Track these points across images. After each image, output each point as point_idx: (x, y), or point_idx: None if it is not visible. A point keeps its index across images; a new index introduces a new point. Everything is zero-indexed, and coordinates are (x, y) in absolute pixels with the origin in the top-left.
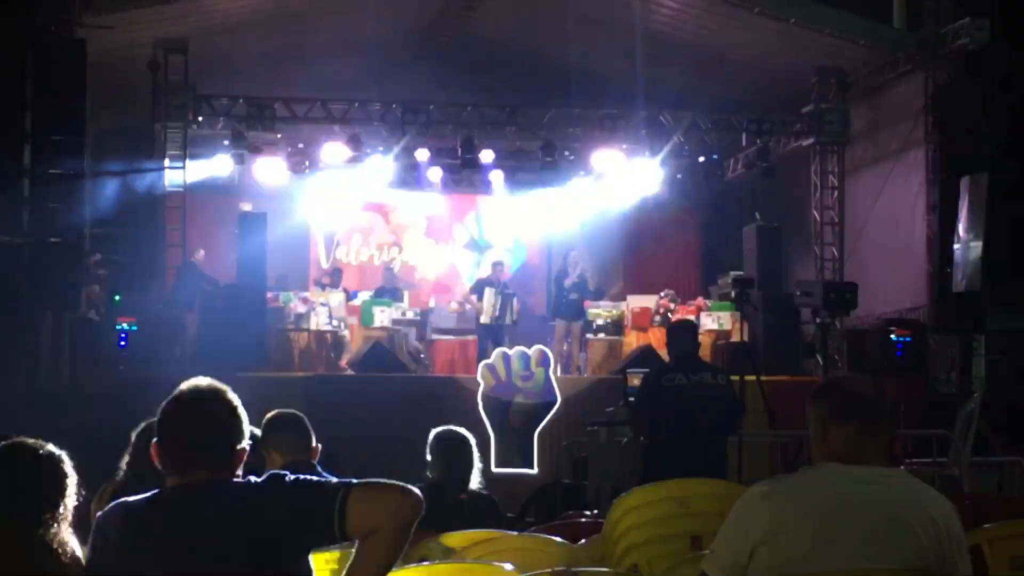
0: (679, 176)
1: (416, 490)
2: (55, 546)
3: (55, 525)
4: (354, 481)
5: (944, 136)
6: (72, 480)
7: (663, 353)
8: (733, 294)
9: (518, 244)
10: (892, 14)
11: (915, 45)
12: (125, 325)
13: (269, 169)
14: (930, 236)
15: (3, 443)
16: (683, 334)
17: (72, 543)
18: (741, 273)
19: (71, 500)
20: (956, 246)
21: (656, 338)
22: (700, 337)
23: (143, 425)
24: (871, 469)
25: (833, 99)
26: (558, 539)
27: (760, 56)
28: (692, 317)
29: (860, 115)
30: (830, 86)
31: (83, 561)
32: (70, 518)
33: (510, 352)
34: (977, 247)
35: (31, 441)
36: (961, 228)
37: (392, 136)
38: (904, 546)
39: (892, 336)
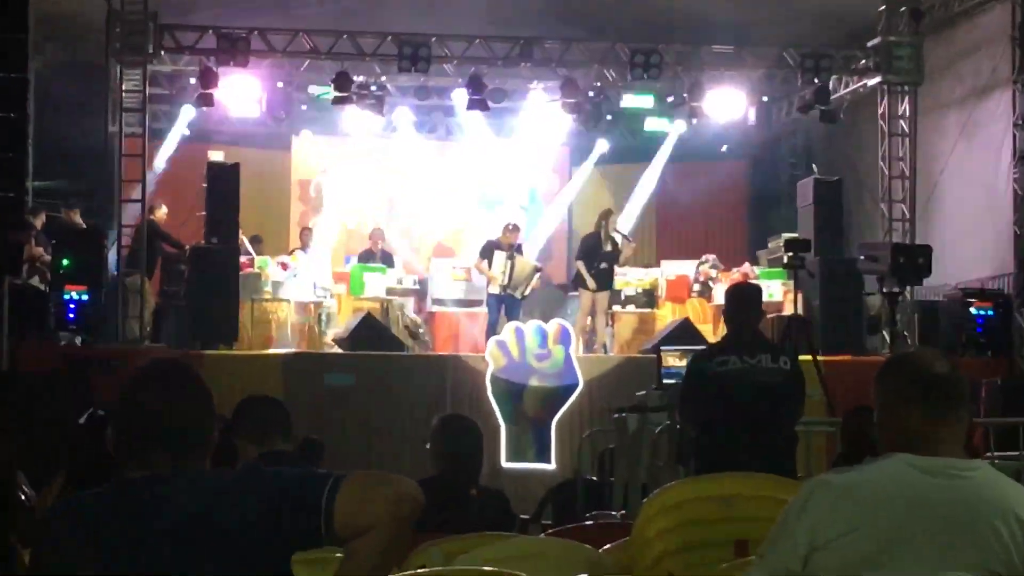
0: (722, 121)
1: (415, 484)
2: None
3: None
4: (343, 473)
5: None
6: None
7: (704, 328)
8: (785, 259)
9: (535, 199)
10: None
11: None
12: (74, 294)
13: (244, 108)
14: (1017, 191)
15: None
16: (743, 303)
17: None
18: (795, 235)
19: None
20: None
21: (695, 311)
22: None
23: (90, 412)
24: (947, 460)
25: (904, 31)
26: (580, 544)
27: None
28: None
29: (935, 50)
30: (900, 16)
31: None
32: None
33: (524, 327)
34: None
35: None
36: None
37: (386, 73)
38: (985, 550)
39: (971, 309)
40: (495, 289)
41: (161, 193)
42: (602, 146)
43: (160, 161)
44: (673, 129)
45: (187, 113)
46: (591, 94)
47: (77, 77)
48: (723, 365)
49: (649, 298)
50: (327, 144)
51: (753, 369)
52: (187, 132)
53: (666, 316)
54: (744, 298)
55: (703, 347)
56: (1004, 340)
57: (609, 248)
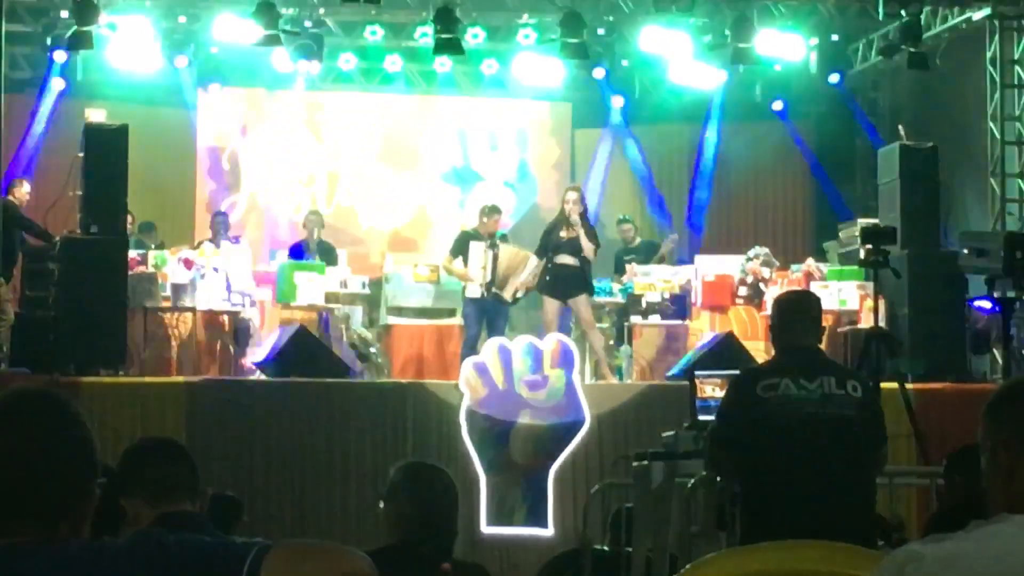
0: (777, 68)
1: (365, 557)
2: None
3: None
4: (268, 543)
5: None
6: None
7: (753, 346)
8: (863, 254)
9: (526, 173)
10: None
11: None
12: None
13: (133, 56)
14: None
15: None
16: (796, 315)
17: None
18: (875, 221)
19: None
20: None
21: (741, 322)
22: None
23: None
24: None
25: None
26: None
27: None
28: (799, 288)
29: None
30: None
31: None
32: None
33: (511, 345)
34: None
35: None
36: None
37: (326, 6)
38: None
39: None
40: (474, 292)
41: (23, 166)
42: (617, 103)
43: (36, 125)
44: (711, 79)
45: (58, 59)
46: (601, 32)
47: None
48: (771, 390)
49: (679, 306)
50: (245, 100)
51: (812, 396)
52: (61, 84)
53: (702, 330)
54: (796, 308)
55: (745, 369)
56: None
57: (573, 234)
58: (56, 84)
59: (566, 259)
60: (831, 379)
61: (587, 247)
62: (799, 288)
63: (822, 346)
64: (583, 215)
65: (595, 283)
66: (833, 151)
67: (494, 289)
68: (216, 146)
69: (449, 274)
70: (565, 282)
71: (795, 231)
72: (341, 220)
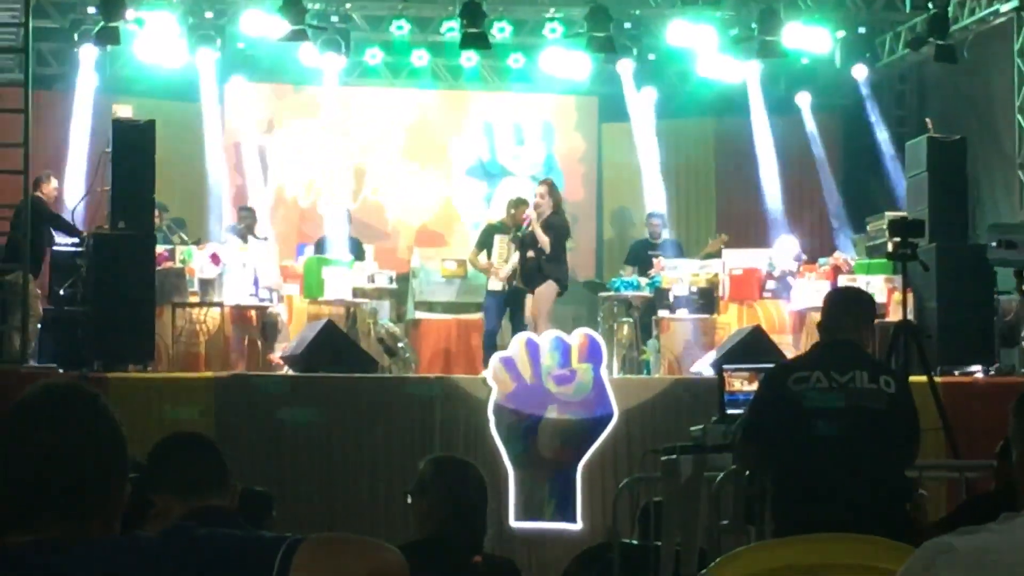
0: (804, 61)
1: (396, 551)
2: None
3: None
4: (299, 537)
5: None
6: None
7: (780, 340)
8: (890, 247)
9: (552, 167)
10: None
11: None
12: None
13: (160, 51)
14: None
15: None
16: (839, 310)
17: None
18: (903, 214)
19: None
20: None
21: (768, 316)
22: None
23: None
24: None
25: None
26: None
27: None
28: (827, 282)
29: None
30: None
31: None
32: None
33: (539, 339)
34: None
35: None
36: None
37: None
38: None
39: None
40: (496, 284)
41: (51, 160)
42: (648, 96)
43: (78, 122)
44: (738, 72)
45: (86, 55)
46: (627, 26)
47: None
48: (801, 383)
49: (707, 300)
50: (272, 95)
51: (843, 390)
52: (93, 80)
53: (730, 323)
54: (840, 303)
55: (778, 363)
56: None
57: (532, 228)
58: (87, 80)
59: (529, 253)
60: (864, 373)
61: (542, 239)
62: (852, 285)
63: None
64: (557, 207)
65: (619, 278)
66: (860, 144)
67: (515, 282)
68: (242, 141)
69: (475, 267)
70: (528, 276)
71: (822, 223)
72: (368, 215)
